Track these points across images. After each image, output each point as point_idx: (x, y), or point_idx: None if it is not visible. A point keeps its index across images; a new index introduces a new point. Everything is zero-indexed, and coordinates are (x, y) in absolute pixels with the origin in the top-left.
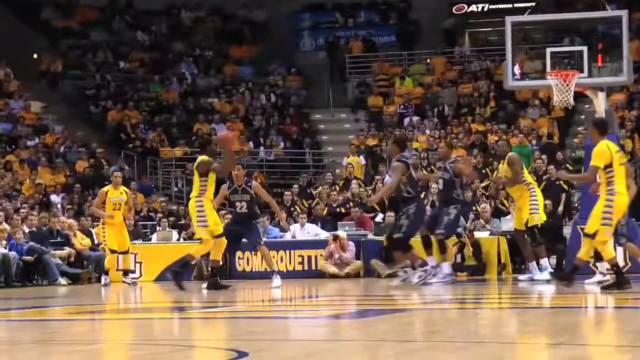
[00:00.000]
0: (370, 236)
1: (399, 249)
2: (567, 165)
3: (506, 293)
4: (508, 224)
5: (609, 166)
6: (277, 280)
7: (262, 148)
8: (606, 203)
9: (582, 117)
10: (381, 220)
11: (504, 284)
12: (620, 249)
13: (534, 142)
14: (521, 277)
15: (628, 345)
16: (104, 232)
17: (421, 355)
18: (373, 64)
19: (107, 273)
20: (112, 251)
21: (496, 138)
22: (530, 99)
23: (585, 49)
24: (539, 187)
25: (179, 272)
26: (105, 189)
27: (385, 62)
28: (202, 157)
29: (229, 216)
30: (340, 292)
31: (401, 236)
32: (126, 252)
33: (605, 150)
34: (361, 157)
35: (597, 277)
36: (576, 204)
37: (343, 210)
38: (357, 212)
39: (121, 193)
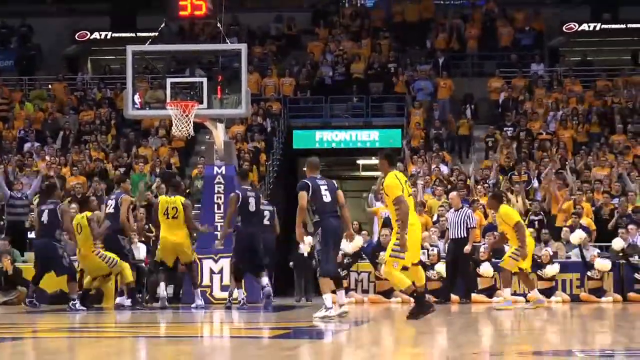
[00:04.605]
0: None
1: None
2: (188, 191)
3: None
4: None
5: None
6: None
7: None
8: (397, 236)
9: (203, 147)
10: None
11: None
12: None
13: (157, 170)
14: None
15: None
16: None
17: None
18: None
19: None
20: None
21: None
22: (152, 128)
23: (205, 80)
24: None
25: None
26: None
27: (5, 86)
28: None
29: None
30: None
31: None
32: None
33: (396, 181)
34: None
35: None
36: None
37: None
38: None
39: None
